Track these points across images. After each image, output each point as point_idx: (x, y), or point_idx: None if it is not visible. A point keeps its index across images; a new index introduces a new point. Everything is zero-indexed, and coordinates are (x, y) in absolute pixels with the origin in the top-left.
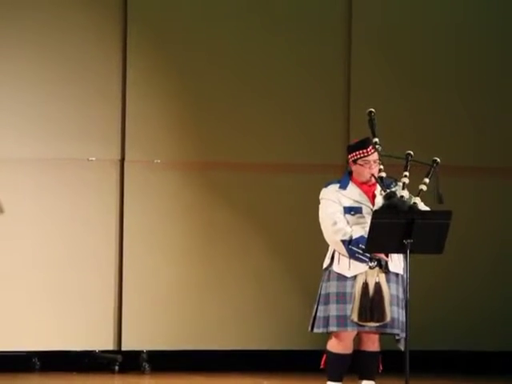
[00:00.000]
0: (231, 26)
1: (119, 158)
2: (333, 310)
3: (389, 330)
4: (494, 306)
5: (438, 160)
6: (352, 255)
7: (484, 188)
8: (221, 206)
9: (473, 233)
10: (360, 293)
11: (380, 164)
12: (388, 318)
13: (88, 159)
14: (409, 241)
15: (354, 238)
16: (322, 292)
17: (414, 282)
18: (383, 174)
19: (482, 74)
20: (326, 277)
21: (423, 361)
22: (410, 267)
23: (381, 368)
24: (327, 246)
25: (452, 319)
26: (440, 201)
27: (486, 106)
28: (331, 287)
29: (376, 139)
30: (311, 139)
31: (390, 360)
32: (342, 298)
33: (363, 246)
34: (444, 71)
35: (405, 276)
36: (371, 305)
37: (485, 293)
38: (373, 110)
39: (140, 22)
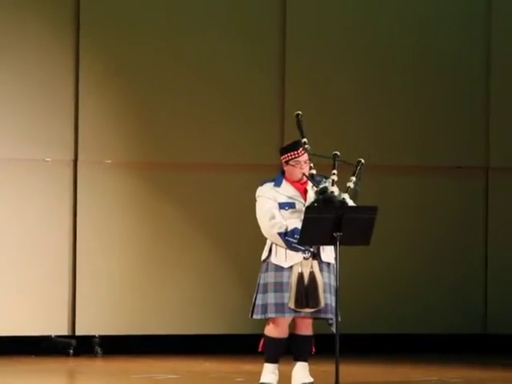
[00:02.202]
0: (183, 32)
1: (72, 158)
2: (271, 298)
3: (323, 315)
4: (422, 295)
5: (363, 161)
6: (289, 245)
7: (426, 186)
8: (167, 203)
9: (412, 228)
10: (296, 282)
11: (310, 163)
12: (322, 305)
13: (44, 160)
14: (338, 234)
15: (289, 229)
16: (261, 282)
17: (353, 273)
18: (313, 171)
19: (427, 74)
20: (264, 268)
21: (355, 344)
22: (353, 259)
23: (314, 350)
24: (265, 239)
25: (385, 306)
26: (354, 197)
27: (431, 106)
28: (269, 277)
29: (304, 139)
30: (248, 141)
31: (322, 343)
32: (279, 287)
33: (298, 237)
34: (389, 70)
35: (336, 265)
36: (306, 292)
37: (417, 284)
38: (300, 112)
39: (92, 24)
